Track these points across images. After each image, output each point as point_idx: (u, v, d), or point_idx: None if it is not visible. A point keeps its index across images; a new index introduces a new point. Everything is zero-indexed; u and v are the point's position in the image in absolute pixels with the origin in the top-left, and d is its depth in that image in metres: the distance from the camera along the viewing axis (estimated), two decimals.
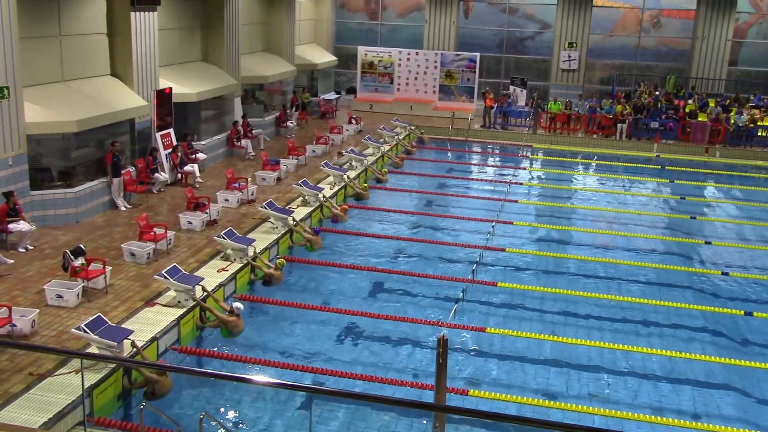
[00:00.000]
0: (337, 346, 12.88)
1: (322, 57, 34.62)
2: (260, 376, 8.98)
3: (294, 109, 30.00)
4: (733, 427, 10.83)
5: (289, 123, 28.38)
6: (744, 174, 27.37)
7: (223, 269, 14.52)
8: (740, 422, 11.11)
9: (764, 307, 15.19)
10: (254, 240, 15.70)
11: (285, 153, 23.92)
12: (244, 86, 26.23)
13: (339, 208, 19.36)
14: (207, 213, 17.19)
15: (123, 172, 18.21)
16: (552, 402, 11.43)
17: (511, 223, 19.71)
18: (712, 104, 32.17)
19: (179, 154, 20.51)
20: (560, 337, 13.44)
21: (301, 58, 31.42)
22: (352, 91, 36.62)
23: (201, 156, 21.63)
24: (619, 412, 11.06)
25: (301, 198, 19.45)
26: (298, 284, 15.41)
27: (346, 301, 14.51)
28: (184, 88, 21.53)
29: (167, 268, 13.15)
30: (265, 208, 17.33)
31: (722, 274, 17.07)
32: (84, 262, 13.34)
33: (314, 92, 34.16)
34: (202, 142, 22.57)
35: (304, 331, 13.32)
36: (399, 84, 35.31)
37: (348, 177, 21.46)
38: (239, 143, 24.12)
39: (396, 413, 10.69)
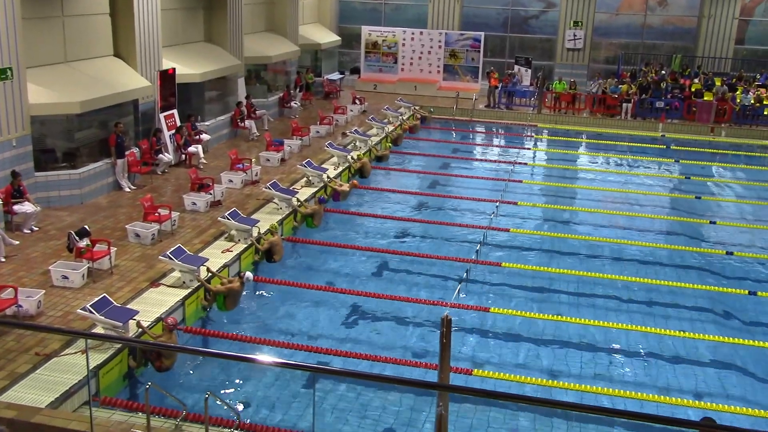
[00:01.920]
0: (341, 326, 12.93)
1: (326, 37, 34.46)
2: (265, 356, 9.03)
3: (298, 89, 29.91)
4: (737, 405, 10.87)
5: (293, 103, 28.31)
6: (750, 153, 27.24)
7: (228, 250, 14.56)
8: (743, 401, 11.15)
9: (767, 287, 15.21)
10: (258, 221, 15.71)
11: (289, 133, 23.87)
12: (248, 66, 26.14)
13: (346, 184, 19.35)
14: (211, 194, 17.19)
15: (127, 153, 18.20)
16: (555, 381, 11.47)
17: (515, 203, 19.68)
18: (718, 83, 31.96)
19: (183, 134, 20.48)
20: (564, 317, 13.47)
21: (304, 38, 31.28)
22: (356, 71, 36.46)
23: (205, 137, 21.60)
24: (623, 391, 11.09)
25: (305, 178, 19.44)
26: (302, 264, 15.44)
27: (350, 281, 14.54)
28: (188, 68, 21.46)
29: (172, 249, 13.19)
30: (269, 188, 17.33)
31: (726, 253, 17.05)
32: (89, 243, 13.38)
33: (318, 72, 34.03)
34: (206, 123, 22.54)
35: (308, 311, 13.36)
36: (403, 64, 35.14)
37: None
38: (243, 124, 24.08)
39: (400, 392, 10.75)
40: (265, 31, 28.74)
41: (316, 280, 14.42)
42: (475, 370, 11.51)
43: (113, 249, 13.49)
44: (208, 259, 13.55)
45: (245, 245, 14.83)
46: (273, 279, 14.29)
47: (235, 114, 24.07)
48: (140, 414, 9.21)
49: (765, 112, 29.88)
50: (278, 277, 14.42)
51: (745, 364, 12.22)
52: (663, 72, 33.04)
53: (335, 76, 35.20)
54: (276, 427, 9.62)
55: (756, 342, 12.74)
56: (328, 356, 11.54)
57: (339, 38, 35.74)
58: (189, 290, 12.72)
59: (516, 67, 33.82)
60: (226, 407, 9.62)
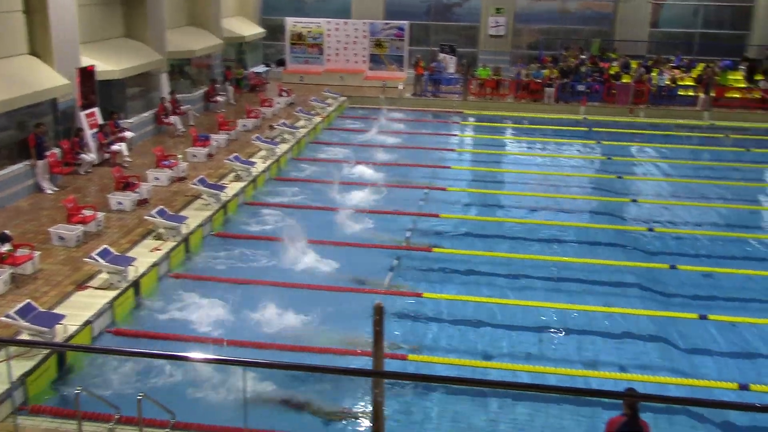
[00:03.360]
0: (275, 319, 12.86)
1: (250, 29, 34.06)
2: (197, 353, 8.93)
3: (229, 84, 29.55)
4: (661, 375, 11.32)
5: (218, 98, 27.96)
6: (667, 133, 28.18)
7: (157, 248, 14.34)
8: (666, 371, 11.59)
9: (687, 260, 15.80)
10: (187, 218, 15.52)
11: (215, 128, 23.56)
12: (171, 61, 25.64)
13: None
14: (137, 192, 16.88)
15: (47, 153, 17.70)
16: (489, 362, 11.70)
17: (444, 189, 19.93)
18: (635, 66, 32.96)
19: (106, 133, 20.01)
20: (496, 299, 13.74)
21: (228, 31, 30.85)
22: (281, 63, 36.19)
23: (128, 134, 21.15)
24: (555, 368, 11.40)
25: (233, 173, 19.26)
26: (230, 259, 15.27)
27: (281, 274, 14.45)
28: (108, 65, 20.95)
29: (98, 250, 12.92)
30: (197, 184, 17.13)
31: (648, 230, 17.66)
32: (11, 247, 12.99)
33: (243, 65, 33.64)
34: (129, 120, 22.07)
35: (240, 305, 13.24)
36: (329, 55, 35.06)
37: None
38: (168, 120, 23.67)
39: (335, 381, 10.80)
40: (188, 25, 28.25)
41: (247, 274, 14.33)
42: (410, 355, 11.66)
43: (36, 253, 13.14)
44: (135, 259, 13.33)
45: (174, 243, 14.62)
46: (203, 275, 14.15)
47: (159, 110, 23.63)
48: (71, 420, 9.03)
49: (680, 93, 31.00)
50: (207, 273, 14.29)
51: (667, 335, 12.69)
52: (583, 56, 33.86)
53: (261, 68, 34.87)
54: (212, 425, 9.57)
55: (677, 313, 13.28)
56: (262, 350, 11.50)
57: (263, 30, 35.38)
58: (118, 291, 12.50)
59: (441, 55, 34.13)
60: (160, 408, 9.49)
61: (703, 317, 13.03)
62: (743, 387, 10.94)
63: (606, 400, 10.41)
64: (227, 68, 30.54)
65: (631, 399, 7.18)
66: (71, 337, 11.01)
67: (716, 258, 16.10)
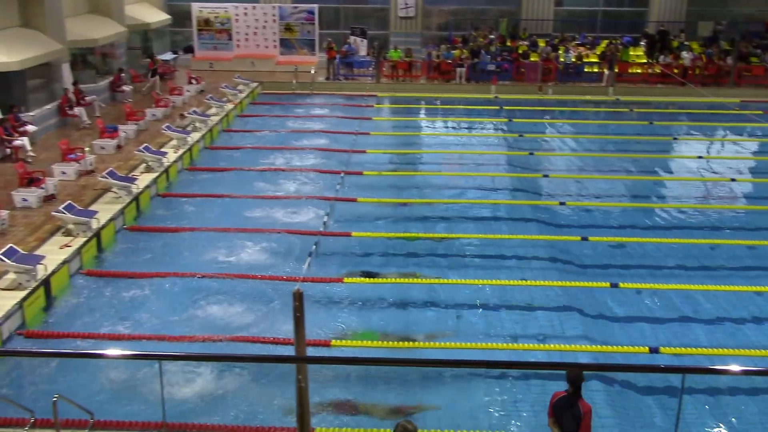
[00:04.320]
0: (192, 311, 12.66)
1: (155, 16, 33.06)
2: (112, 350, 8.72)
3: (151, 74, 28.66)
4: (578, 344, 11.70)
5: (125, 87, 27.10)
6: (574, 108, 29.01)
7: (66, 245, 13.86)
8: (583, 339, 11.98)
9: (598, 232, 16.34)
10: (97, 212, 15.06)
11: (123, 119, 22.85)
12: (72, 51, 24.71)
13: None
14: (43, 188, 16.26)
15: None
16: (412, 342, 11.82)
17: (360, 173, 19.95)
18: (542, 44, 33.69)
19: (6, 127, 19.16)
20: (416, 279, 13.89)
21: (131, 18, 29.84)
22: (189, 50, 35.34)
23: (30, 128, 20.27)
24: (476, 343, 11.62)
25: (144, 164, 18.76)
26: (144, 252, 14.92)
27: (197, 265, 14.18)
28: (4, 56, 19.98)
29: (3, 250, 12.41)
30: (107, 177, 16.62)
31: (560, 204, 18.15)
32: None
33: (150, 53, 32.69)
34: (31, 113, 21.15)
35: (156, 299, 12.97)
36: (238, 40, 34.45)
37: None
38: (72, 111, 22.83)
39: (257, 370, 10.74)
40: (89, 12, 27.23)
41: (160, 267, 14.02)
42: (334, 340, 11.67)
43: None
44: (44, 257, 12.87)
45: (85, 239, 14.17)
46: (117, 271, 13.78)
47: (62, 102, 22.76)
48: None
49: (585, 69, 31.90)
50: (121, 268, 13.93)
51: (581, 305, 13.11)
52: (492, 36, 34.38)
53: (168, 56, 33.96)
54: (131, 421, 9.38)
55: (590, 283, 13.74)
56: (182, 343, 11.32)
57: (169, 16, 34.40)
58: (27, 291, 12.04)
59: (352, 38, 34.02)
60: (77, 408, 9.23)
61: (614, 285, 13.51)
62: (654, 351, 11.41)
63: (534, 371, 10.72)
64: (150, 58, 29.68)
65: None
66: None
67: (625, 228, 16.69)
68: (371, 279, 13.83)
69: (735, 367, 8.29)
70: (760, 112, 27.60)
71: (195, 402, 10.13)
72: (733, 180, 20.45)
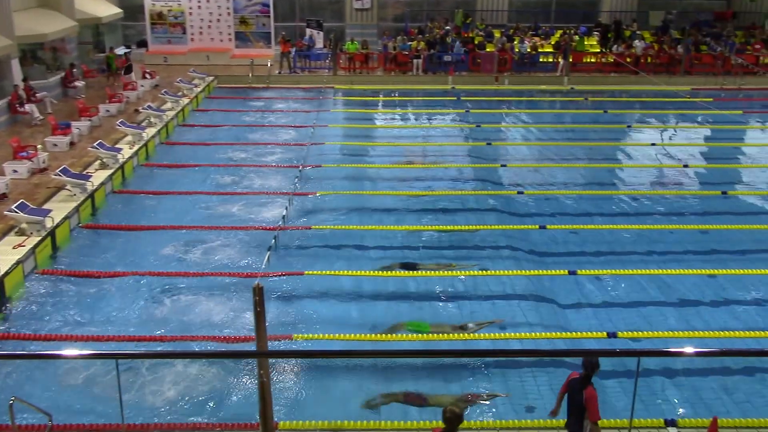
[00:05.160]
0: (152, 310, 12.51)
1: (106, 10, 32.39)
2: (70, 350, 8.57)
3: (125, 72, 28.05)
4: (536, 332, 11.85)
5: (77, 83, 26.60)
6: (531, 98, 29.30)
7: (20, 245, 13.59)
8: (541, 327, 12.12)
9: (555, 220, 16.55)
10: (51, 210, 14.78)
11: (76, 115, 22.44)
12: (21, 46, 24.15)
13: None
14: None
15: None
16: (373, 335, 11.81)
17: (320, 166, 19.90)
18: (497, 35, 33.92)
19: None
20: (378, 272, 13.89)
21: (82, 12, 29.22)
22: (143, 44, 34.81)
23: None
24: (432, 335, 11.68)
25: (98, 161, 18.46)
26: (101, 251, 14.70)
27: (154, 263, 14.02)
28: None
29: None
30: (60, 175, 16.31)
31: (518, 193, 18.32)
32: None
33: (102, 48, 32.12)
34: None
35: (114, 298, 12.80)
36: (192, 34, 34.03)
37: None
38: (23, 108, 22.33)
39: (221, 366, 10.68)
40: (38, 6, 26.59)
41: (119, 266, 13.83)
42: (296, 335, 11.62)
43: None
44: None
45: (39, 238, 13.90)
46: (74, 271, 13.55)
47: (12, 98, 22.25)
48: None
49: (540, 59, 32.22)
50: (77, 267, 13.70)
51: (539, 291, 13.28)
52: (448, 27, 34.50)
53: (121, 50, 33.38)
54: (90, 424, 9.26)
55: (548, 271, 13.92)
56: (142, 342, 11.19)
57: (120, 10, 33.73)
58: None
59: (308, 30, 33.86)
60: (35, 410, 9.06)
61: (572, 273, 13.70)
62: (612, 335, 11.61)
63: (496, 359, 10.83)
64: (124, 54, 29.16)
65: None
66: None
67: (582, 216, 16.93)
68: (333, 272, 13.80)
69: (689, 349, 8.48)
70: (710, 99, 28.19)
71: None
72: (685, 166, 20.86)
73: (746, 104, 28.44)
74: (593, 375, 7.85)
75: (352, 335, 11.71)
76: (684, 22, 35.24)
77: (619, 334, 11.66)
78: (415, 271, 13.96)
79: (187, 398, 10.09)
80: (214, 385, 10.35)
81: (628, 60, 31.39)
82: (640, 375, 7.55)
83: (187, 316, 12.32)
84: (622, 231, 16.01)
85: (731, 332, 11.84)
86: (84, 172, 17.40)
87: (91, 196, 16.35)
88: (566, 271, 13.77)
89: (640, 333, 11.75)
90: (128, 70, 27.78)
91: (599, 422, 7.80)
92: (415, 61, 31.18)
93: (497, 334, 11.85)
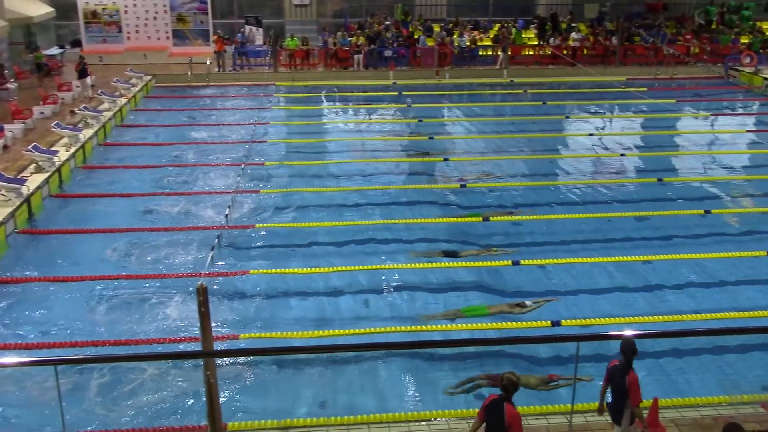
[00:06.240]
0: (95, 314, 12.29)
1: (38, 9, 31.52)
2: (9, 358, 8.37)
3: (79, 75, 27.05)
4: (487, 323, 12.03)
5: (9, 85, 25.84)
6: (471, 92, 29.61)
7: None
8: (488, 317, 12.30)
9: (498, 211, 16.75)
10: None
11: (8, 117, 21.82)
12: None
13: None
14: None
15: None
16: (324, 331, 11.79)
17: (262, 163, 19.78)
18: (437, 29, 34.14)
19: None
20: (326, 268, 13.85)
21: (12, 12, 28.38)
22: (77, 44, 34.00)
23: None
24: (387, 327, 11.75)
25: (34, 164, 18.00)
26: (39, 256, 14.36)
27: (94, 267, 13.75)
28: None
29: None
30: None
31: (461, 186, 18.51)
32: None
33: (34, 48, 31.26)
34: None
35: (56, 305, 12.52)
36: (129, 32, 33.40)
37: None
38: None
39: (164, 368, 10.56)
40: None
41: (59, 272, 13.53)
42: (242, 334, 11.55)
43: None
44: None
45: None
46: (11, 277, 13.21)
47: None
48: None
49: (480, 53, 32.57)
50: (13, 274, 13.36)
51: (484, 281, 13.48)
52: (387, 22, 34.59)
53: (54, 51, 32.60)
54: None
55: (492, 262, 14.12)
56: (85, 348, 10.99)
57: (53, 9, 32.91)
58: None
59: (246, 27, 33.54)
60: None
61: (515, 263, 13.92)
62: (555, 324, 11.84)
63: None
64: (81, 59, 28.20)
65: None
66: None
67: (524, 206, 17.18)
68: (279, 270, 13.74)
69: (629, 332, 8.69)
70: (644, 89, 28.94)
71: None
72: (622, 155, 21.36)
73: (679, 93, 29.27)
74: (633, 359, 7.98)
75: (297, 333, 11.67)
76: (618, 13, 36.03)
77: (563, 322, 11.88)
78: (357, 266, 13.98)
79: (132, 402, 9.95)
80: (161, 388, 10.25)
81: (565, 52, 31.98)
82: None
83: (130, 319, 12.14)
84: (564, 220, 16.32)
85: (670, 316, 12.19)
86: (19, 177, 16.96)
87: (27, 200, 15.94)
88: (510, 262, 13.98)
89: (582, 320, 11.96)
90: (83, 74, 26.69)
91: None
92: (355, 56, 31.19)
93: (444, 326, 11.95)
